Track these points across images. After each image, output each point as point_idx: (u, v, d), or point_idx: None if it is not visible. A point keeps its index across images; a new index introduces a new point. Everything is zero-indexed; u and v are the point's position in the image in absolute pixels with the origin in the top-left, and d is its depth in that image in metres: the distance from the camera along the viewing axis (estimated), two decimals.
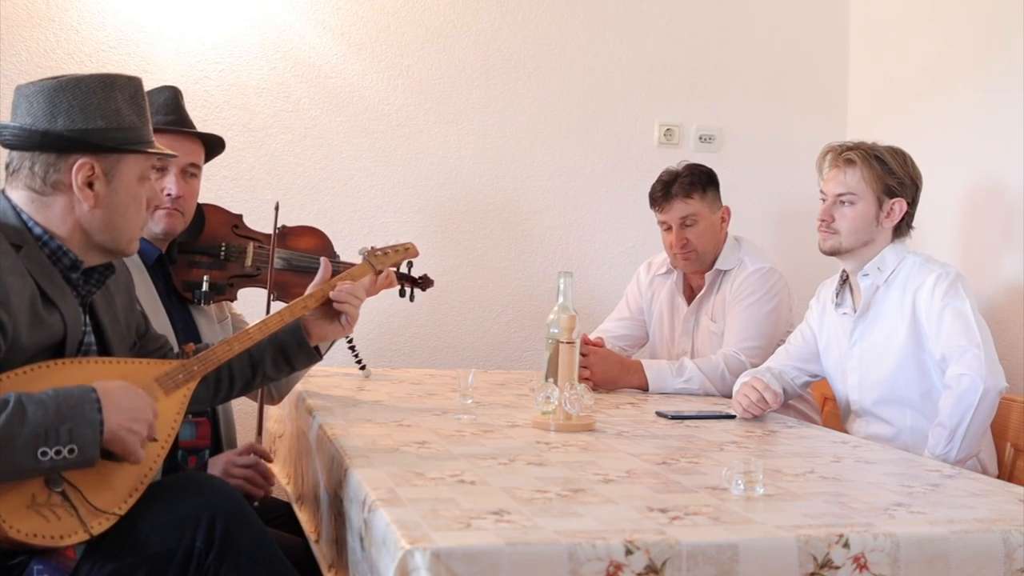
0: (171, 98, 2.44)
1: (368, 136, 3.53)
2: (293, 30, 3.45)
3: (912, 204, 2.61)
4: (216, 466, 2.29)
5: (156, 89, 2.41)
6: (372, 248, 2.42)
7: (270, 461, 2.40)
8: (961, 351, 2.40)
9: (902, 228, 2.61)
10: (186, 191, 2.41)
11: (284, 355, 2.11)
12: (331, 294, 2.13)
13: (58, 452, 1.53)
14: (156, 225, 2.38)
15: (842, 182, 2.58)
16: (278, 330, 2.03)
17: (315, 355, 2.17)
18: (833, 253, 2.63)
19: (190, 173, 2.43)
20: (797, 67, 3.88)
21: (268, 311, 2.43)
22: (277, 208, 2.48)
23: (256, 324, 1.99)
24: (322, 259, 2.20)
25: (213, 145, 2.52)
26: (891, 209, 2.58)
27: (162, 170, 2.36)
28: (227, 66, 3.39)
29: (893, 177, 2.57)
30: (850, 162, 2.58)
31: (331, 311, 2.14)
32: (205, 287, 2.44)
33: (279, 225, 2.53)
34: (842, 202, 2.58)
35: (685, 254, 3.09)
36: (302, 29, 3.45)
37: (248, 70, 3.42)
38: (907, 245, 2.64)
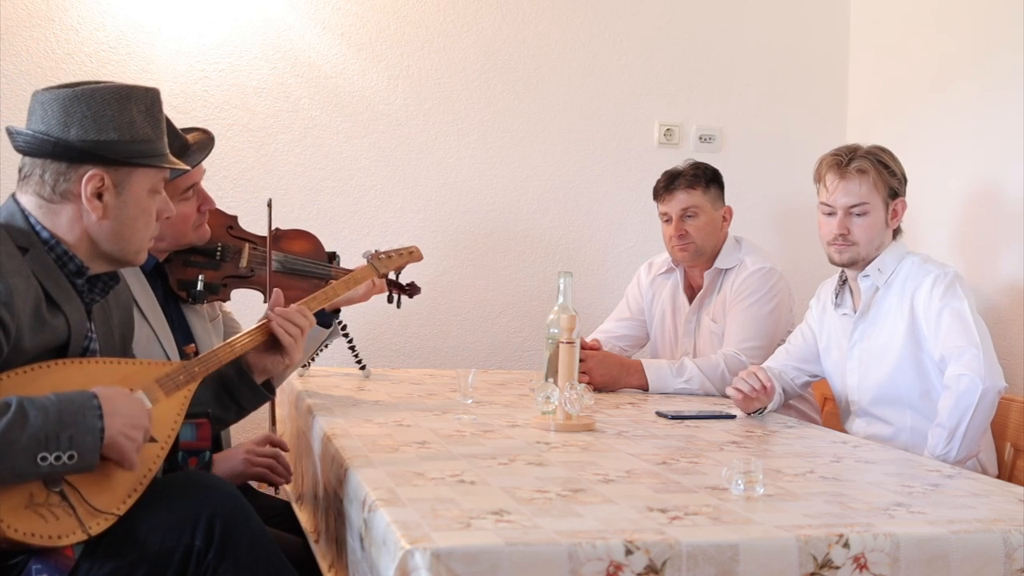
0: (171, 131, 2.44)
1: (368, 136, 3.53)
2: (293, 30, 3.45)
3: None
4: (235, 456, 2.28)
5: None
6: (376, 251, 2.42)
7: (287, 451, 2.41)
8: (960, 351, 2.39)
9: (898, 228, 2.62)
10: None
11: (227, 390, 1.98)
12: (269, 315, 2.00)
13: (58, 458, 1.52)
14: (200, 238, 2.41)
15: (855, 193, 2.55)
16: (222, 366, 1.91)
17: (261, 393, 2.02)
18: (851, 264, 2.61)
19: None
20: (797, 67, 3.88)
21: (268, 294, 2.44)
22: (270, 205, 2.47)
23: (254, 327, 1.99)
24: (275, 290, 2.10)
25: None
26: (895, 210, 2.58)
27: (191, 188, 2.35)
28: (227, 66, 3.39)
29: (895, 178, 2.58)
30: (862, 172, 2.54)
31: (274, 340, 2.00)
32: (200, 286, 2.44)
33: (273, 228, 2.53)
34: (856, 214, 2.56)
35: (683, 245, 3.09)
36: (302, 29, 3.45)
37: (248, 70, 3.42)
38: (905, 245, 2.64)
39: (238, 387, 1.99)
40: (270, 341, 2.01)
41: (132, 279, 2.23)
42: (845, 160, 2.57)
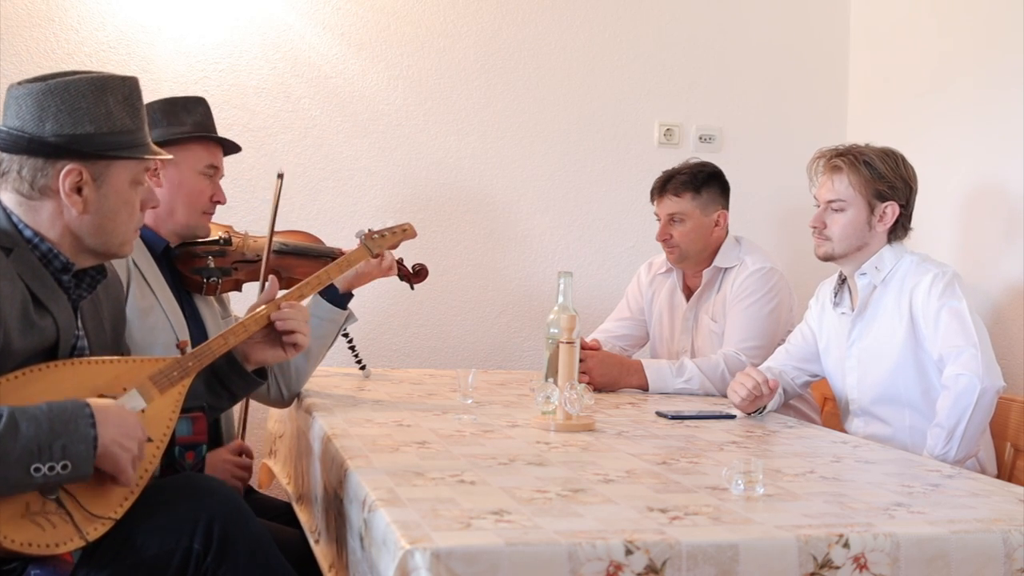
0: (207, 111, 2.55)
1: (368, 136, 3.53)
2: (293, 30, 3.45)
3: (906, 206, 2.59)
4: (217, 467, 2.30)
5: (193, 99, 2.52)
6: (369, 231, 2.41)
7: (251, 457, 2.51)
8: (958, 351, 2.39)
9: (898, 231, 2.60)
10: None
11: (219, 378, 1.98)
12: (273, 315, 1.99)
13: (51, 468, 1.51)
14: (203, 225, 2.48)
15: (831, 189, 2.58)
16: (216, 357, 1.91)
17: (253, 380, 2.03)
18: (827, 259, 2.63)
19: None
20: (797, 67, 3.88)
21: (263, 279, 2.52)
22: (280, 177, 2.59)
23: (248, 317, 1.98)
24: (271, 277, 2.12)
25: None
26: (883, 213, 2.56)
27: (212, 167, 2.49)
28: (227, 66, 3.39)
29: (883, 181, 2.55)
30: (837, 168, 2.57)
31: (275, 334, 2.01)
32: (211, 263, 2.48)
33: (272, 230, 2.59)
34: (833, 209, 2.58)
35: (668, 248, 3.12)
36: (302, 29, 3.45)
37: (248, 70, 3.41)
38: (905, 246, 2.63)
39: (228, 375, 1.99)
40: (270, 335, 2.01)
41: (141, 258, 2.30)
42: (829, 155, 2.61)
